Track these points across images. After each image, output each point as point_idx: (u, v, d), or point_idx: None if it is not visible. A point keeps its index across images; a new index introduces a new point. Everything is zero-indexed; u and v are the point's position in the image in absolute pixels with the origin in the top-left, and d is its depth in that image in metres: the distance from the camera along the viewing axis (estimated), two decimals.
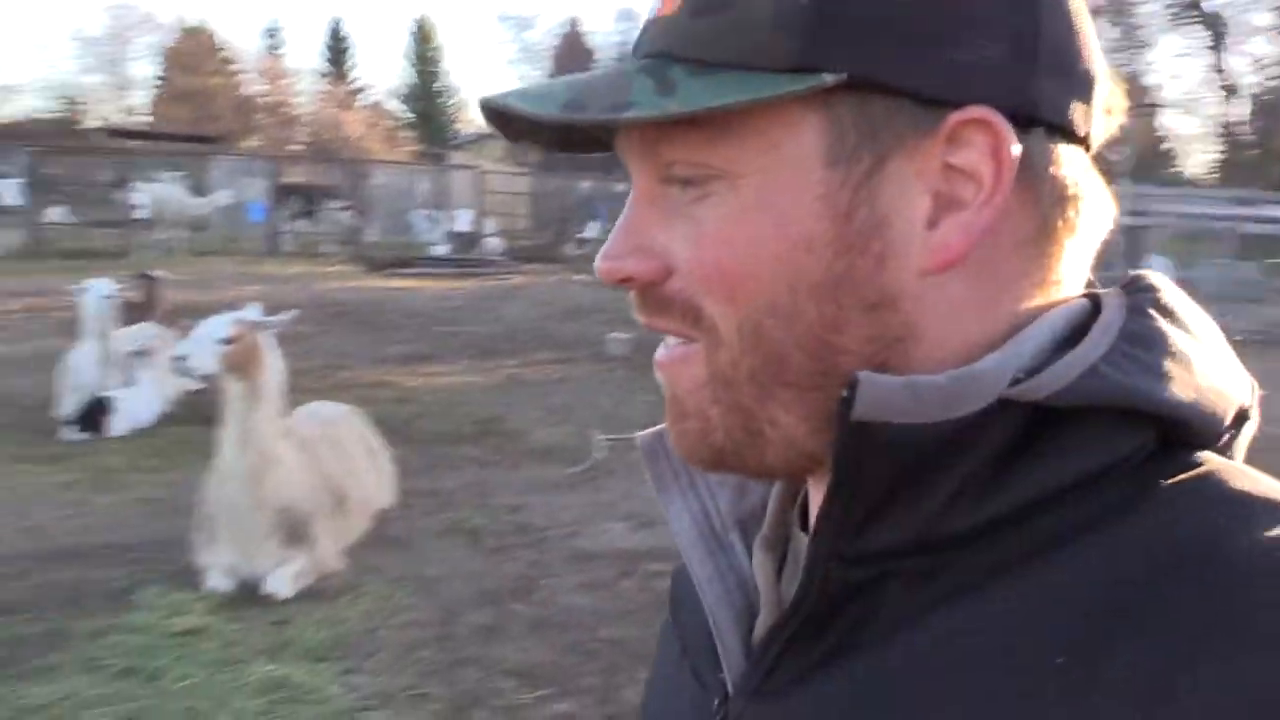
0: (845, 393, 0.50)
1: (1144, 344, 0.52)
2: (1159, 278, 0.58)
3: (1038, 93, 0.52)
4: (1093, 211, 0.56)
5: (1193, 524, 0.48)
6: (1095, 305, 0.55)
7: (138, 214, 18.81)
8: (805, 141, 0.52)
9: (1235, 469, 0.52)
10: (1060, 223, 0.54)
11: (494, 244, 21.60)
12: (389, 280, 17.20)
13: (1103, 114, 0.56)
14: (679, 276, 0.55)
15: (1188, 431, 0.52)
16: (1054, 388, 0.49)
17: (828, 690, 0.53)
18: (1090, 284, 0.58)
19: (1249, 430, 0.55)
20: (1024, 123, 0.52)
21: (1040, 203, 0.53)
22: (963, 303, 0.53)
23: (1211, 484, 0.50)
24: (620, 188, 23.21)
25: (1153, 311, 0.54)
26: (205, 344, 4.78)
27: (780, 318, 0.54)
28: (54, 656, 4.08)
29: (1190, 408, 0.51)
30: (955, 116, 0.51)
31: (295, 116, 44.33)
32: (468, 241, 21.14)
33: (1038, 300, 0.54)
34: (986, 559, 0.50)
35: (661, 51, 0.54)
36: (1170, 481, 0.50)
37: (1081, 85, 0.54)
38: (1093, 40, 0.55)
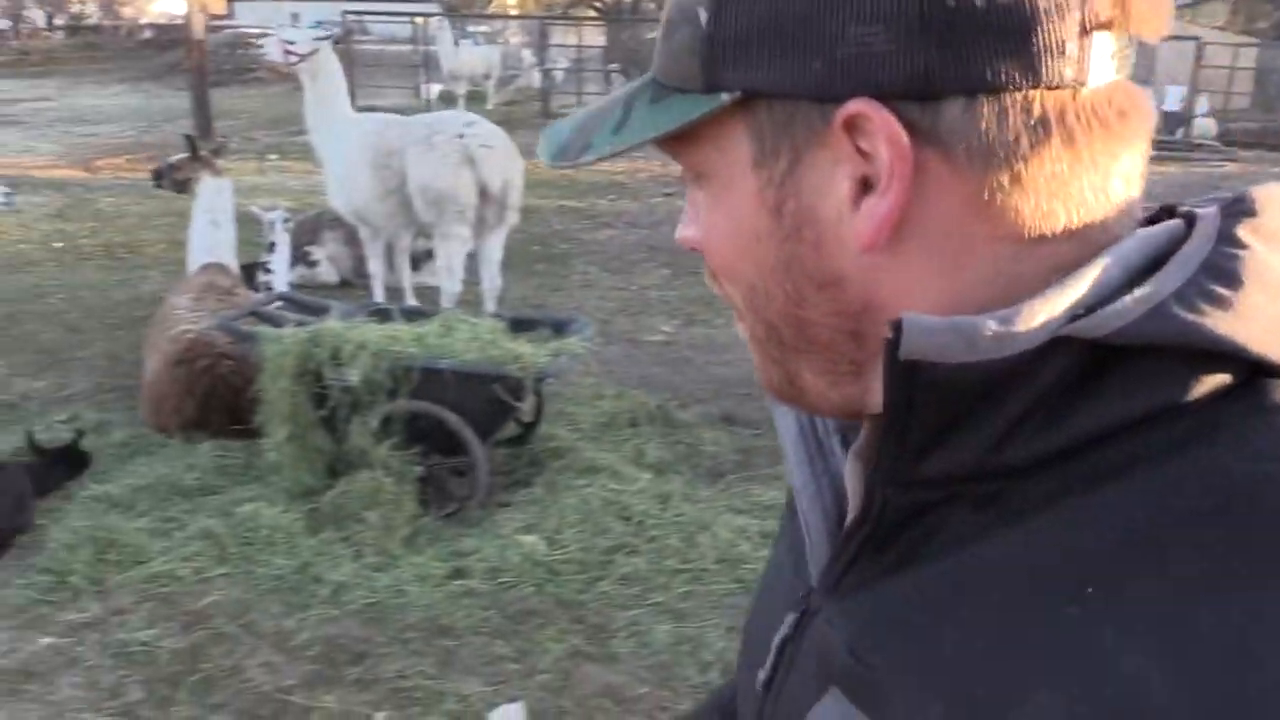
0: (890, 334, 0.51)
1: (1227, 277, 0.50)
2: (1275, 192, 0.54)
3: (928, 67, 0.50)
4: (1083, 140, 0.52)
5: (1244, 466, 0.47)
6: (1191, 228, 0.53)
7: None
8: (741, 147, 0.57)
9: None
10: (1006, 180, 0.52)
11: (1205, 125, 19.36)
12: None
13: (1072, 43, 0.50)
14: None
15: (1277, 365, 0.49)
16: (1113, 326, 0.49)
17: (891, 594, 0.56)
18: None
19: None
20: (931, 96, 0.51)
21: (971, 168, 0.52)
22: (921, 270, 0.54)
23: (1274, 419, 0.48)
24: None
25: (1246, 237, 0.51)
26: None
27: (760, 296, 0.59)
28: (779, 469, 4.85)
29: (1270, 344, 0.49)
30: (840, 112, 0.52)
31: None
32: (1174, 121, 19.21)
33: (1047, 247, 0.53)
34: (1044, 489, 0.51)
35: (653, 74, 0.60)
36: (1239, 420, 0.49)
37: (1009, 34, 0.49)
38: None
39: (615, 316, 7.56)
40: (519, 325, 4.88)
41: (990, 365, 0.50)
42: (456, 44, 21.30)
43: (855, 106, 0.52)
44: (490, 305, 6.76)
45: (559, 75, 27.40)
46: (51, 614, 3.70)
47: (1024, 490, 0.52)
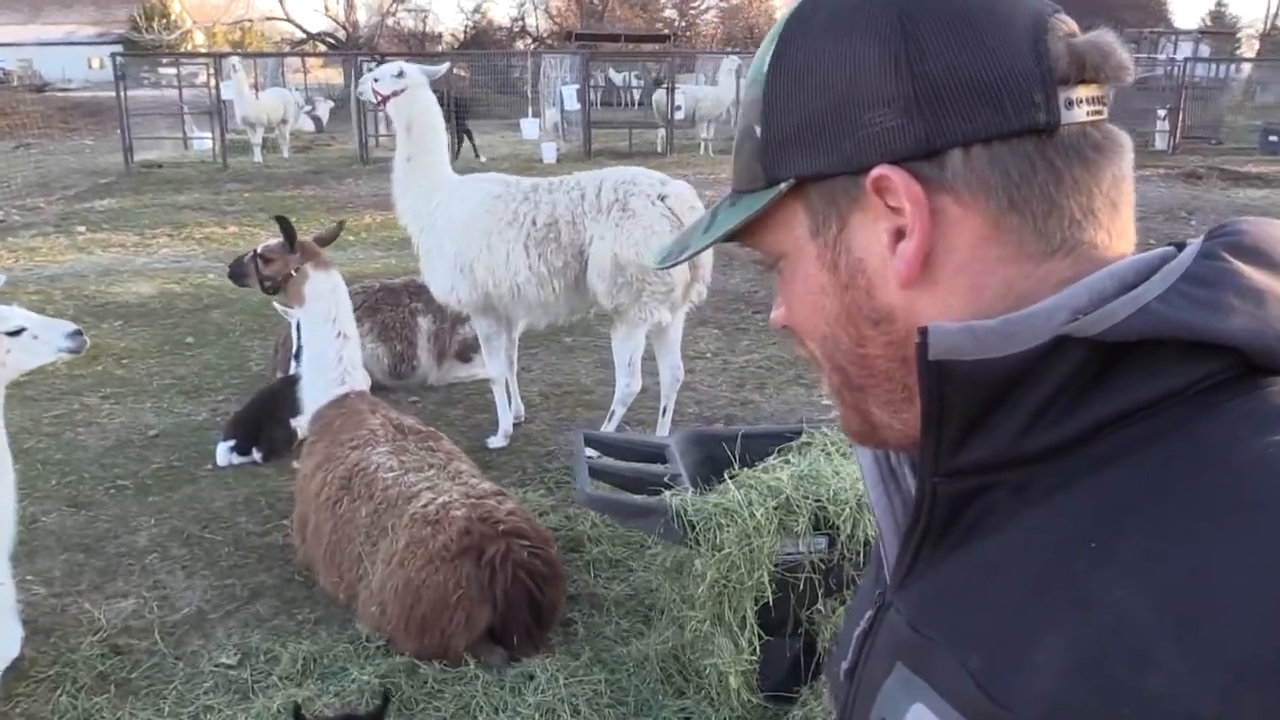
0: (919, 338, 0.64)
1: (1205, 283, 0.60)
2: (1261, 221, 0.65)
3: (927, 132, 0.65)
4: (1064, 169, 0.65)
5: (1221, 437, 0.57)
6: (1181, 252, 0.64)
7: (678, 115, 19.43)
8: (801, 223, 0.72)
9: None
10: (1007, 209, 0.65)
11: None
12: None
13: (1038, 96, 0.64)
14: None
15: (1265, 359, 0.60)
16: (1105, 324, 0.60)
17: (945, 576, 0.67)
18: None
19: None
20: (934, 154, 0.65)
21: (976, 203, 0.65)
22: (950, 295, 0.67)
23: (1258, 403, 0.59)
24: None
25: (1226, 254, 0.62)
26: None
27: (830, 345, 0.74)
28: None
29: (1248, 336, 0.59)
30: (867, 179, 0.66)
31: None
32: None
33: (1049, 265, 0.65)
34: (1065, 471, 0.62)
35: (733, 187, 0.76)
36: (1226, 402, 0.59)
37: (984, 97, 0.64)
38: (1006, 42, 0.64)
39: (756, 392, 6.38)
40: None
41: (1003, 362, 0.62)
42: (255, 89, 18.67)
43: (878, 172, 0.66)
44: (669, 404, 5.41)
45: (324, 116, 25.23)
46: None
47: (1049, 473, 0.62)
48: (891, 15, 0.65)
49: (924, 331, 0.63)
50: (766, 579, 2.98)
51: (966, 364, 0.63)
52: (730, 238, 0.75)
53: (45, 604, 3.99)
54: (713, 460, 3.66)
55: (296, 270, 4.61)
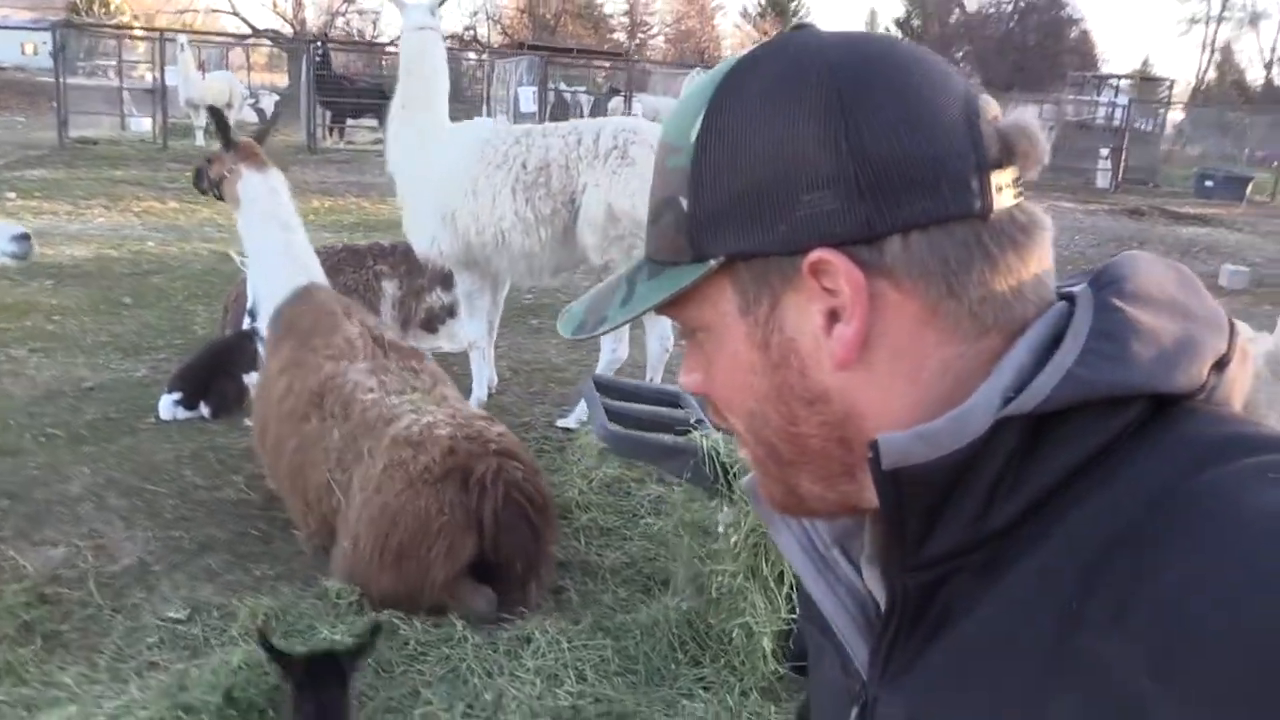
0: (870, 453, 0.64)
1: (1110, 337, 0.62)
2: (1133, 261, 0.67)
3: (868, 217, 0.63)
4: (999, 255, 0.65)
5: (1150, 477, 0.59)
6: (1073, 305, 0.66)
7: None
8: (729, 300, 0.69)
9: (1203, 415, 0.63)
10: (945, 294, 0.64)
11: None
12: None
13: (974, 181, 0.63)
14: None
15: (1172, 392, 0.62)
16: (1037, 400, 0.61)
17: (929, 665, 0.66)
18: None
19: (1236, 369, 0.65)
20: (874, 239, 0.63)
21: (915, 289, 0.64)
22: (888, 378, 0.66)
23: (1173, 436, 0.61)
24: None
25: (1118, 302, 0.64)
26: None
27: (758, 421, 0.72)
28: None
29: (1152, 379, 0.62)
30: (804, 261, 0.65)
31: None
32: None
33: (982, 343, 0.65)
34: (1021, 542, 0.62)
35: (647, 254, 0.74)
36: (1147, 446, 0.61)
37: (923, 183, 0.63)
38: (942, 124, 0.64)
39: None
40: None
41: (953, 456, 0.63)
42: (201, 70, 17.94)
43: (817, 254, 0.64)
44: (658, 375, 5.08)
45: (268, 109, 24.61)
46: None
47: (1007, 550, 0.63)
48: (829, 90, 0.64)
49: (874, 445, 0.64)
50: None
51: (920, 466, 0.63)
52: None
53: None
54: None
55: (230, 170, 4.17)
